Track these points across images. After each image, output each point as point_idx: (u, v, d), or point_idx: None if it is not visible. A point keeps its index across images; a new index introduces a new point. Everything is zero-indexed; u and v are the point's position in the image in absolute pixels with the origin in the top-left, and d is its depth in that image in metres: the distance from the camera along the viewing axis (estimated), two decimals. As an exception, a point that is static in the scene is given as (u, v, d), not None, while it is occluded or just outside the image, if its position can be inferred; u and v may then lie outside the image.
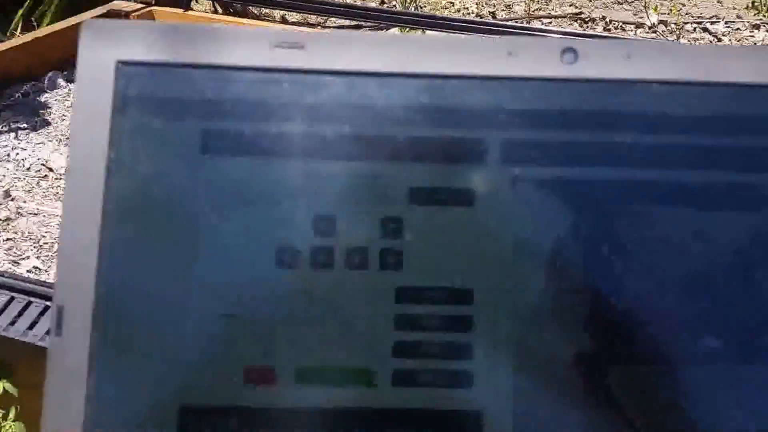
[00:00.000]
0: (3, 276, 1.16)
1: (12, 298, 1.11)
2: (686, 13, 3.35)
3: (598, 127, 0.39)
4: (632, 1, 3.43)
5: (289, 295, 0.38)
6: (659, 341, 0.38)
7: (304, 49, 0.39)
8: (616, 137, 0.39)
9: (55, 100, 1.88)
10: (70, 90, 1.92)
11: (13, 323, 1.09)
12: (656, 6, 3.34)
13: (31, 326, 1.09)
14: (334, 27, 2.91)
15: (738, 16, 3.32)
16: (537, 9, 3.46)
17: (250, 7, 2.68)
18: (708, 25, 3.30)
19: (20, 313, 1.10)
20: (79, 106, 0.38)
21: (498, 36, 0.42)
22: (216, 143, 0.38)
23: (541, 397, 0.38)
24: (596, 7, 3.44)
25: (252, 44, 0.39)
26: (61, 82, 1.95)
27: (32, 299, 1.11)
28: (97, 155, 0.37)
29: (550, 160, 0.39)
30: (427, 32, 2.68)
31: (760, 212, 0.39)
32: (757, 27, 3.28)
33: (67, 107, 1.85)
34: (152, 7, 2.20)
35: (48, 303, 1.10)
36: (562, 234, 0.39)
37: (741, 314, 0.39)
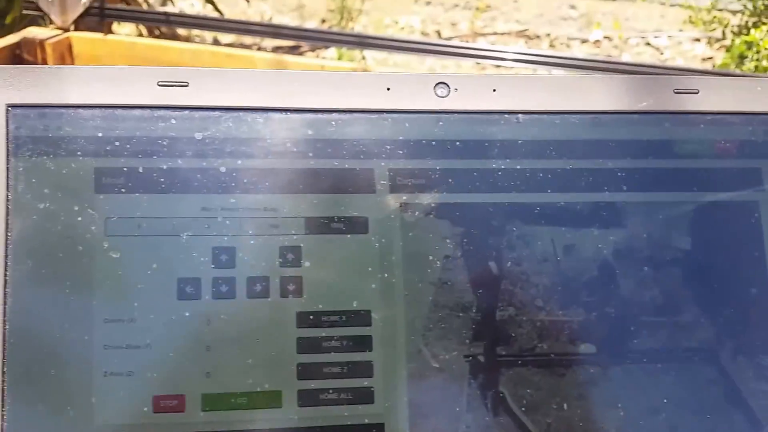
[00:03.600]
0: None
1: None
2: (630, 28, 3.36)
3: (472, 155, 0.42)
4: (577, 18, 3.42)
5: (192, 325, 0.39)
6: (539, 345, 0.42)
7: (188, 86, 0.41)
8: (488, 164, 0.42)
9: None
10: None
11: None
12: (598, 22, 3.34)
13: None
14: (270, 48, 2.81)
15: (680, 30, 3.34)
16: (483, 26, 3.42)
17: (179, 30, 2.56)
18: (651, 39, 3.31)
19: None
20: None
21: (376, 71, 0.47)
22: (109, 181, 0.39)
23: (437, 405, 0.41)
24: (540, 24, 3.42)
25: (138, 83, 0.40)
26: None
27: None
28: None
29: (432, 187, 0.42)
30: (365, 52, 2.61)
31: (622, 227, 0.43)
32: (697, 40, 3.31)
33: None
34: (69, 33, 2.06)
35: None
36: (448, 254, 0.42)
37: (610, 319, 0.42)
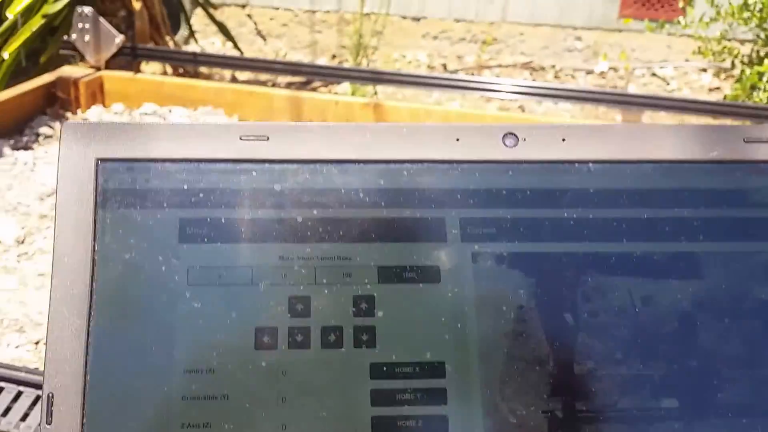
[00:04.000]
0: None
1: (1, 388, 1.05)
2: (635, 58, 3.42)
3: (543, 204, 0.42)
4: (582, 49, 3.49)
5: (269, 375, 0.39)
6: (621, 401, 0.40)
7: (269, 140, 0.42)
8: (564, 213, 0.42)
9: (2, 169, 1.85)
10: (16, 159, 1.89)
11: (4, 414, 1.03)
12: (605, 53, 3.40)
13: (24, 418, 1.03)
14: (284, 84, 2.92)
15: (686, 60, 3.40)
16: (488, 59, 3.51)
17: (201, 68, 2.68)
18: (657, 70, 3.38)
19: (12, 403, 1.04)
20: (62, 202, 0.40)
21: (445, 124, 0.47)
22: (193, 231, 0.41)
23: None
24: (546, 56, 3.50)
25: (221, 137, 0.42)
26: (7, 150, 1.92)
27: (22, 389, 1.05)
28: (82, 247, 0.40)
29: (504, 236, 0.42)
30: (378, 87, 2.70)
31: (700, 277, 0.43)
32: (704, 71, 3.37)
33: (14, 176, 1.81)
34: (101, 72, 2.19)
35: (21, 388, 1.05)
36: (522, 305, 0.41)
37: (692, 373, 0.41)
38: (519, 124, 0.44)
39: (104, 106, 2.18)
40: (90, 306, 0.39)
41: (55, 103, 2.13)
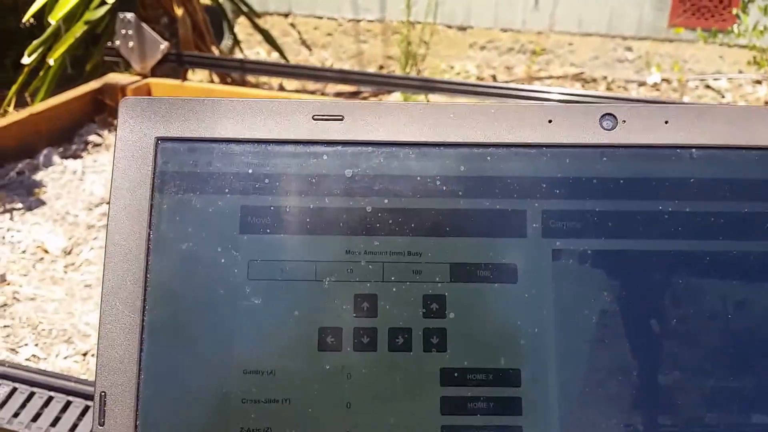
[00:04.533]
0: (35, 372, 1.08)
1: (51, 398, 1.03)
2: (688, 69, 3.34)
3: (637, 195, 0.39)
4: (633, 60, 3.42)
5: (333, 379, 0.37)
6: (708, 415, 0.37)
7: (343, 120, 0.39)
8: (659, 206, 0.39)
9: (51, 178, 1.81)
10: (65, 167, 1.86)
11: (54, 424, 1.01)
12: (658, 64, 3.32)
13: (73, 429, 1.01)
14: (333, 93, 2.88)
15: (740, 71, 3.31)
16: (538, 70, 3.45)
17: (248, 77, 2.65)
18: (711, 82, 3.29)
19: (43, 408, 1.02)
20: (118, 185, 0.37)
21: (536, 102, 0.42)
22: (255, 220, 0.38)
23: None
24: (597, 67, 3.43)
25: (293, 116, 0.39)
26: (56, 159, 1.89)
27: (51, 394, 1.04)
28: (136, 235, 0.37)
29: (589, 232, 0.38)
30: (429, 96, 2.66)
31: None
32: (758, 82, 3.28)
33: (62, 185, 1.78)
34: (149, 80, 2.16)
35: (70, 398, 1.02)
36: (605, 308, 0.38)
37: None
38: (619, 103, 0.40)
39: (152, 114, 2.14)
40: (144, 299, 0.37)
41: (104, 110, 2.11)
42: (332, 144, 0.39)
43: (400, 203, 0.38)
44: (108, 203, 0.37)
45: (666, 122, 0.39)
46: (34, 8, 2.07)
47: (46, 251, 1.53)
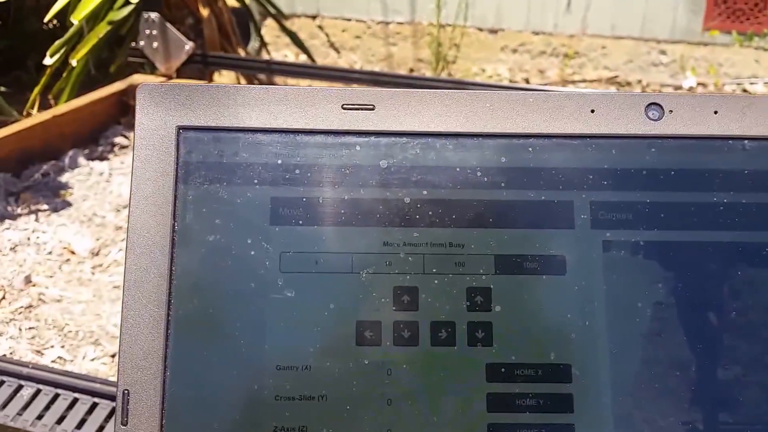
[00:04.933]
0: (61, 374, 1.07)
1: (76, 400, 1.02)
2: (724, 73, 3.28)
3: (689, 187, 0.38)
4: (668, 63, 3.37)
5: (372, 375, 0.35)
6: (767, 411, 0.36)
7: (375, 109, 0.37)
8: (713, 197, 0.38)
9: (77, 179, 1.79)
10: (92, 169, 1.84)
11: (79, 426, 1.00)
12: (693, 68, 3.27)
13: (100, 431, 1.00)
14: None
15: (776, 75, 3.23)
16: (572, 73, 3.40)
17: (276, 77, 2.63)
18: (747, 86, 3.23)
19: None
20: (139, 175, 0.36)
21: (576, 91, 0.40)
22: (286, 212, 0.37)
23: None
24: (631, 70, 3.38)
25: (321, 105, 0.37)
26: (81, 160, 1.87)
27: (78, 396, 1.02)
28: (160, 227, 0.36)
29: (641, 222, 0.37)
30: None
31: None
32: (796, 86, 3.21)
33: (89, 187, 1.76)
34: (173, 81, 2.14)
35: (96, 400, 1.01)
36: (659, 301, 0.36)
37: None
38: (664, 93, 0.39)
39: (179, 115, 2.13)
40: (169, 293, 0.35)
41: (128, 112, 2.09)
42: (364, 135, 0.37)
43: (439, 194, 0.37)
44: (129, 194, 0.35)
45: (715, 112, 0.38)
46: (56, 8, 2.05)
47: (73, 252, 1.51)
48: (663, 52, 3.37)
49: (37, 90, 2.11)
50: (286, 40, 3.21)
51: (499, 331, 0.36)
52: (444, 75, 3.24)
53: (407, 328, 0.36)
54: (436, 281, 0.36)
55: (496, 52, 3.53)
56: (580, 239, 0.37)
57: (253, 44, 3.21)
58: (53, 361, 1.22)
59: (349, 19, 3.66)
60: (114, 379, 1.10)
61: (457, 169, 0.37)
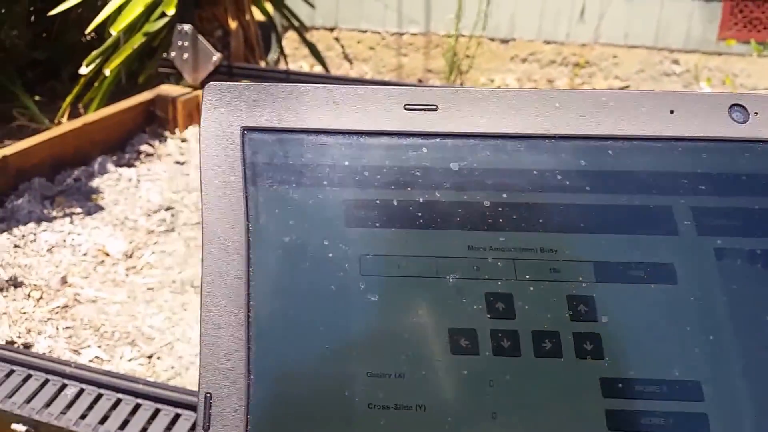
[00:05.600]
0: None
1: (138, 405, 1.02)
2: (739, 84, 3.29)
3: None
4: (681, 73, 3.38)
5: (472, 386, 0.33)
6: None
7: (438, 110, 0.36)
8: None
9: (107, 185, 1.84)
10: (120, 175, 1.89)
11: (122, 428, 1.00)
12: (709, 78, 3.28)
13: None
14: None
15: (791, 85, 3.24)
16: (581, 84, 3.43)
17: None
18: (763, 96, 3.23)
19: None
20: (207, 177, 0.36)
21: (652, 91, 0.38)
22: (361, 214, 0.35)
23: None
24: (642, 80, 3.40)
25: (383, 106, 0.36)
26: (110, 167, 1.92)
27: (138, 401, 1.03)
28: (234, 228, 0.35)
29: (754, 230, 0.35)
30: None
31: None
32: (812, 96, 3.20)
33: (119, 192, 1.81)
34: (198, 92, 2.19)
35: (139, 401, 1.01)
36: None
37: None
38: (745, 94, 0.37)
39: (203, 125, 2.18)
40: (248, 294, 0.34)
41: (154, 121, 2.14)
42: (427, 136, 0.36)
43: (521, 198, 0.35)
44: (200, 195, 0.36)
45: None
46: (98, 20, 2.11)
47: (107, 254, 1.55)
48: (676, 62, 3.39)
49: (69, 99, 2.17)
50: (303, 51, 3.26)
51: (610, 344, 0.34)
52: (460, 81, 3.27)
53: (506, 338, 0.34)
54: (531, 288, 0.34)
55: (506, 62, 3.56)
56: (688, 247, 0.35)
57: (273, 55, 3.26)
58: (90, 361, 1.25)
59: (364, 31, 3.71)
60: (152, 380, 1.13)
61: (535, 172, 0.36)
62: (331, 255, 0.35)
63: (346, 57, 3.72)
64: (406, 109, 0.36)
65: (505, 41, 3.57)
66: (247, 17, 2.61)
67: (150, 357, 1.27)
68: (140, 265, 1.53)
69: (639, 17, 3.38)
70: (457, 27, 3.27)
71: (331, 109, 0.36)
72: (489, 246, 0.35)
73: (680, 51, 3.39)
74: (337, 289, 0.34)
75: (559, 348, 0.34)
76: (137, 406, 1.01)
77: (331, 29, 3.72)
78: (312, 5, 3.32)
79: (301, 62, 3.63)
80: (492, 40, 3.55)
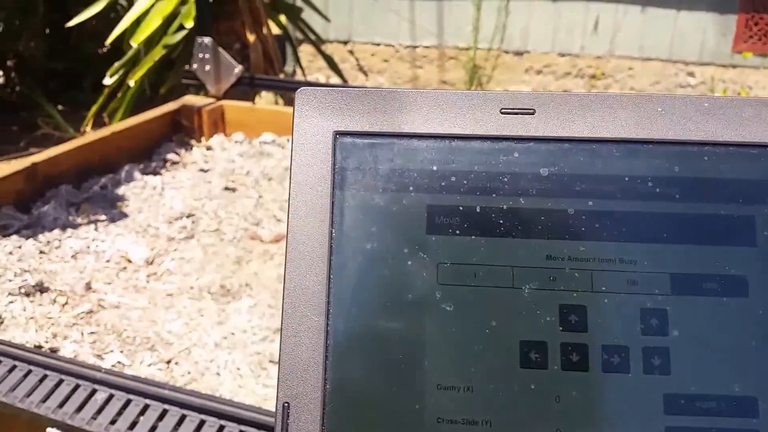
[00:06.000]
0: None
1: (165, 411, 1.02)
2: (754, 97, 3.28)
3: None
4: (696, 85, 3.39)
5: (539, 400, 0.33)
6: None
7: (535, 114, 0.35)
8: None
9: (132, 192, 1.87)
10: (145, 183, 1.92)
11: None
12: (724, 90, 3.28)
13: None
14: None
15: (805, 96, 3.24)
16: (597, 95, 3.43)
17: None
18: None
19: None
20: (297, 181, 0.35)
21: (755, 97, 0.36)
22: (443, 220, 0.35)
23: None
24: (658, 92, 3.41)
25: (479, 110, 0.36)
26: (137, 174, 1.95)
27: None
28: (318, 233, 0.35)
29: None
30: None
31: None
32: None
33: (144, 199, 1.84)
34: (222, 102, 2.22)
35: (166, 407, 1.02)
36: None
37: None
38: None
39: (225, 134, 2.21)
40: (327, 302, 0.34)
41: (180, 130, 2.17)
42: (524, 140, 0.35)
43: (607, 205, 0.34)
44: (288, 200, 0.36)
45: None
46: (116, 32, 2.16)
47: (129, 261, 1.57)
48: (691, 74, 3.40)
49: (94, 108, 2.21)
50: (317, 64, 3.30)
51: (678, 358, 0.33)
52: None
53: (576, 351, 0.33)
54: (606, 300, 0.33)
55: (520, 74, 3.58)
56: (763, 258, 0.34)
57: (288, 68, 3.30)
58: (113, 366, 1.26)
59: (378, 44, 3.74)
60: (173, 383, 1.15)
61: (626, 179, 0.35)
62: (410, 263, 0.34)
63: (361, 69, 3.75)
64: (502, 113, 0.36)
65: (518, 53, 3.59)
66: (265, 31, 2.65)
67: (168, 362, 1.28)
68: (160, 271, 1.55)
69: (654, 30, 3.39)
70: (476, 39, 3.29)
71: (423, 113, 0.36)
72: (568, 256, 0.34)
73: (695, 63, 3.40)
74: (414, 298, 0.34)
75: (628, 363, 0.33)
76: (164, 412, 1.01)
77: (345, 42, 3.76)
78: (327, 19, 3.35)
79: (316, 74, 3.66)
80: (506, 52, 3.57)
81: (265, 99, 2.82)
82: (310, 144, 0.36)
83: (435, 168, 0.35)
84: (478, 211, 0.35)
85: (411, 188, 0.35)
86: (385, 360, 0.33)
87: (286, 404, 0.33)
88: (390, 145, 0.36)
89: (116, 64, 2.14)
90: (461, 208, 0.35)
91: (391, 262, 0.34)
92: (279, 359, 0.33)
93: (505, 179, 0.35)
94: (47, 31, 2.87)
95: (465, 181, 0.35)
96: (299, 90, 0.37)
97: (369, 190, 0.35)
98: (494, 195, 0.35)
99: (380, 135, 0.36)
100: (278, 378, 0.33)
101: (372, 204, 0.35)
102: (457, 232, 0.35)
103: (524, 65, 3.59)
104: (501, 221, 0.35)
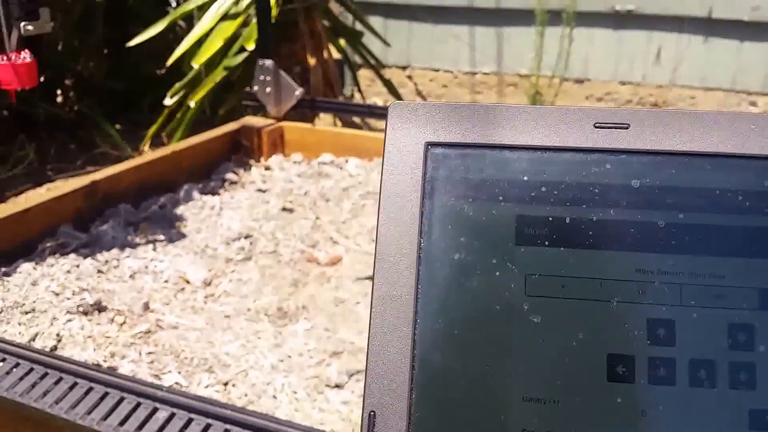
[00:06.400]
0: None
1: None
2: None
3: None
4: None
5: (625, 415, 0.32)
6: None
7: (629, 128, 0.35)
8: None
9: (191, 212, 1.87)
10: (204, 203, 1.92)
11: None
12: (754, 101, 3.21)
13: None
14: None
15: None
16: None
17: (371, 122, 2.70)
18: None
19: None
20: (387, 190, 0.36)
21: None
22: (532, 231, 0.35)
23: None
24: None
25: (572, 124, 0.36)
26: (195, 194, 1.95)
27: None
28: (407, 243, 0.35)
29: None
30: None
31: None
32: None
33: (202, 219, 1.83)
34: (281, 123, 2.22)
35: (228, 427, 1.01)
36: None
37: None
38: None
39: (284, 155, 2.21)
40: (415, 312, 0.34)
41: (239, 150, 2.17)
42: (616, 152, 0.35)
43: (698, 219, 0.34)
44: (377, 210, 0.36)
45: None
46: (178, 52, 2.18)
47: (188, 282, 1.56)
48: (753, 104, 3.33)
49: (154, 128, 2.23)
50: (375, 89, 3.29)
51: (764, 374, 0.32)
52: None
53: (663, 366, 0.33)
54: (694, 315, 0.33)
55: (581, 101, 3.54)
56: None
57: (346, 92, 3.30)
58: (170, 387, 1.26)
59: (437, 70, 3.73)
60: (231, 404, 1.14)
61: (717, 192, 0.34)
62: (498, 274, 0.34)
63: (419, 94, 3.73)
64: (596, 126, 0.36)
65: (579, 81, 3.55)
66: (325, 55, 2.66)
67: (225, 384, 1.27)
68: (218, 293, 1.54)
69: (716, 60, 3.33)
70: (539, 66, 3.26)
71: (515, 126, 0.36)
72: (657, 269, 0.34)
73: (758, 93, 3.33)
74: (501, 310, 0.34)
75: (714, 377, 0.33)
76: (207, 427, 1.01)
77: (404, 68, 3.75)
78: (387, 44, 3.35)
79: (374, 98, 3.66)
80: (566, 79, 3.54)
81: (324, 121, 2.82)
82: (401, 155, 0.36)
83: (525, 178, 0.36)
84: (567, 222, 0.35)
85: (500, 198, 0.35)
86: (471, 370, 0.33)
87: (372, 413, 0.33)
88: (481, 156, 0.36)
89: (177, 85, 2.16)
90: (551, 218, 0.35)
91: (478, 273, 0.34)
92: (366, 368, 0.34)
93: (596, 190, 0.35)
94: (106, 50, 2.91)
95: (555, 192, 0.35)
96: (392, 103, 0.37)
97: (458, 199, 0.36)
98: (584, 206, 0.35)
99: (471, 146, 0.36)
100: (364, 386, 0.34)
101: (461, 214, 0.35)
102: (546, 243, 0.35)
103: (585, 93, 3.55)
104: (590, 233, 0.35)
